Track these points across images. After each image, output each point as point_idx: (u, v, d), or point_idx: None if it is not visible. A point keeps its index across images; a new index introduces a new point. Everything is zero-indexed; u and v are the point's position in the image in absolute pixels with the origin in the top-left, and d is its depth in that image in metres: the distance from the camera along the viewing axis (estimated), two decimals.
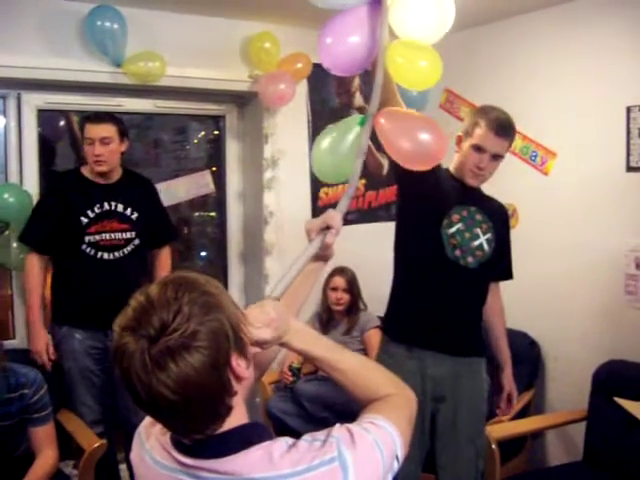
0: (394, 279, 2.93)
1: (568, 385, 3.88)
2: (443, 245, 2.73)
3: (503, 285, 3.07)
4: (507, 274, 3.05)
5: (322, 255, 1.85)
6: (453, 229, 2.73)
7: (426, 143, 2.19)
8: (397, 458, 1.32)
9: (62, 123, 4.00)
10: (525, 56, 4.10)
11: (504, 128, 2.73)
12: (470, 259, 2.75)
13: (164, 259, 3.80)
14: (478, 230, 2.78)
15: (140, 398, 1.17)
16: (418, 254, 2.81)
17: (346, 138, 2.26)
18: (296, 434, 3.43)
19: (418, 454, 2.84)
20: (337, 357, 1.47)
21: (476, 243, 2.76)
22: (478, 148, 2.72)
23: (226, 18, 4.04)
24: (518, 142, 4.10)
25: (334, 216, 1.82)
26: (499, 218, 2.91)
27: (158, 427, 1.35)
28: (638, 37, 3.50)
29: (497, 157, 2.74)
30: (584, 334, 3.81)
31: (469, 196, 2.80)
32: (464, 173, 2.79)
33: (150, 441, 1.36)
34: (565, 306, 3.89)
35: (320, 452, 1.22)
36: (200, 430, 1.22)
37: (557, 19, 3.88)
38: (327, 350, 1.48)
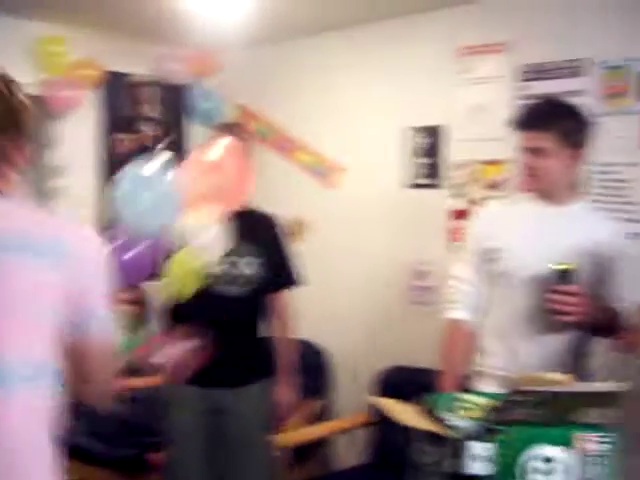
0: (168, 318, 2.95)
1: (355, 391, 4.03)
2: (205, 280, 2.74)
3: (292, 296, 3.14)
4: (289, 281, 3.09)
5: None
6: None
7: None
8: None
9: None
10: (317, 76, 4.25)
11: (229, 128, 2.93)
12: (234, 287, 2.81)
13: None
14: (238, 257, 2.84)
15: None
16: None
17: None
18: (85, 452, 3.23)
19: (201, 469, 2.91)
20: None
21: (238, 271, 2.82)
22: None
23: (14, 17, 3.83)
24: (307, 157, 4.25)
25: None
26: (264, 232, 2.98)
27: None
28: (414, 64, 3.78)
29: None
30: (370, 342, 4.00)
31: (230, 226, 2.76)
32: None
33: None
34: (352, 315, 4.06)
35: None
36: None
37: (350, 41, 4.06)
38: None
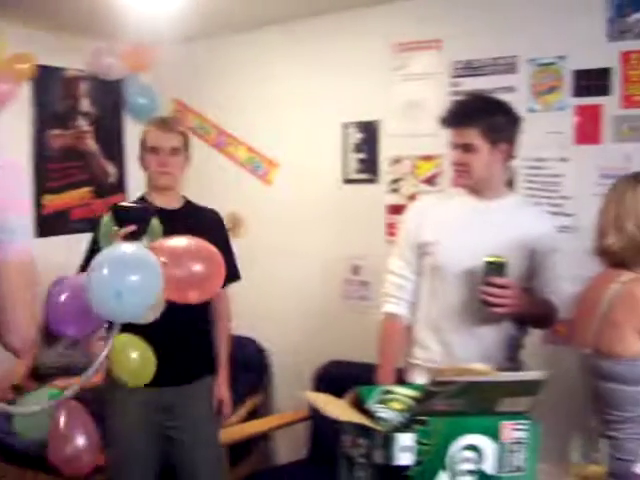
0: None
1: (293, 387, 4.05)
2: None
3: (230, 293, 3.13)
4: (234, 277, 3.05)
5: None
6: None
7: None
8: None
9: None
10: (253, 71, 4.23)
11: (164, 121, 2.95)
12: None
13: None
14: None
15: None
16: None
17: None
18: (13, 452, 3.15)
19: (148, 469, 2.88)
20: None
21: None
22: (153, 149, 2.81)
23: None
24: (243, 153, 4.25)
25: None
26: (210, 228, 2.87)
27: None
28: (351, 60, 3.80)
29: (175, 151, 2.83)
30: (307, 337, 4.02)
31: (168, 223, 2.53)
32: (153, 181, 2.85)
33: None
34: (289, 311, 4.07)
35: None
36: None
37: (287, 37, 4.05)
38: None
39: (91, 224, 4.43)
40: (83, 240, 4.30)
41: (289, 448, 4.10)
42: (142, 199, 2.89)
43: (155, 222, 2.35)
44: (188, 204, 2.97)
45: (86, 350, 3.96)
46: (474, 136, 2.43)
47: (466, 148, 2.46)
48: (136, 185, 4.64)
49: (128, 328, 2.30)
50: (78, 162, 4.42)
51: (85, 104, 4.45)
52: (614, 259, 2.10)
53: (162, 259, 1.99)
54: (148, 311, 2.05)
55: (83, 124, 4.44)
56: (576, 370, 2.23)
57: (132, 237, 2.15)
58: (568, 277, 2.58)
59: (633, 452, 1.84)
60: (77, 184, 4.42)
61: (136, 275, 1.89)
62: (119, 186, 4.65)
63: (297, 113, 4.03)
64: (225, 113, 4.34)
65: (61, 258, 4.08)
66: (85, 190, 4.47)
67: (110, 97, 4.52)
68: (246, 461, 3.85)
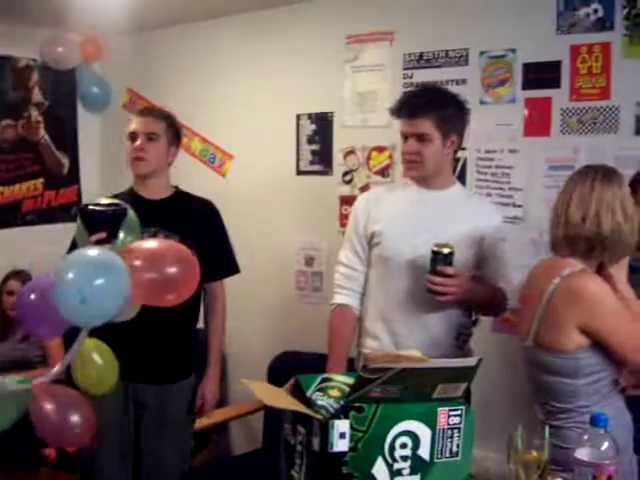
0: None
1: (249, 378, 4.01)
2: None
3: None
4: (231, 269, 3.02)
5: None
6: None
7: None
8: None
9: None
10: (208, 62, 4.21)
11: (145, 107, 3.08)
12: None
13: None
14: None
15: None
16: None
17: None
18: None
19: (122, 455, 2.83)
20: None
21: None
22: (132, 135, 2.75)
23: None
24: (197, 144, 4.24)
25: None
26: (201, 220, 2.89)
27: None
28: (305, 51, 3.80)
29: (152, 137, 2.74)
30: (261, 328, 4.04)
31: (152, 214, 2.62)
32: (131, 169, 2.78)
33: None
34: (243, 302, 4.02)
35: None
36: None
37: (240, 28, 4.04)
38: None
39: (43, 216, 4.43)
40: (35, 232, 4.30)
41: (245, 439, 4.11)
42: (130, 190, 2.82)
43: (132, 216, 2.29)
44: (179, 194, 2.89)
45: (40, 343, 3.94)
46: (428, 126, 2.43)
47: (420, 138, 2.44)
48: (89, 176, 4.62)
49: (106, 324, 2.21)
50: (29, 153, 4.37)
51: (37, 94, 4.39)
52: (585, 246, 2.07)
53: (136, 262, 1.96)
54: (118, 314, 2.02)
55: (35, 114, 4.39)
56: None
57: (104, 241, 2.12)
58: (517, 267, 2.62)
59: (575, 440, 1.86)
60: (28, 175, 4.36)
61: (101, 279, 1.87)
62: (72, 177, 4.60)
63: (251, 105, 4.02)
64: (179, 104, 4.27)
65: (14, 250, 4.05)
66: (37, 182, 4.41)
67: (63, 87, 4.47)
68: (202, 452, 3.84)
